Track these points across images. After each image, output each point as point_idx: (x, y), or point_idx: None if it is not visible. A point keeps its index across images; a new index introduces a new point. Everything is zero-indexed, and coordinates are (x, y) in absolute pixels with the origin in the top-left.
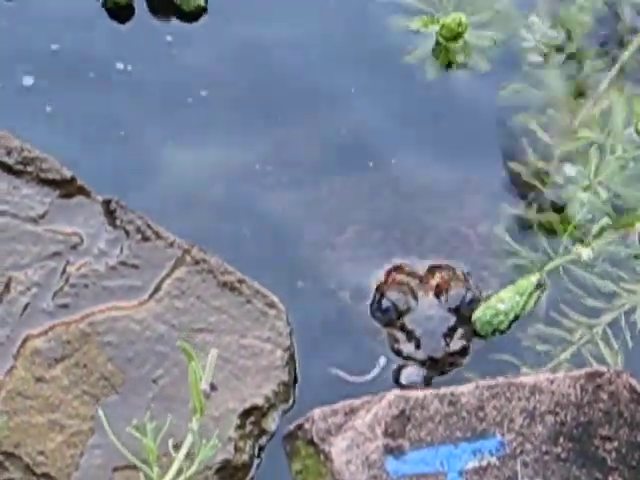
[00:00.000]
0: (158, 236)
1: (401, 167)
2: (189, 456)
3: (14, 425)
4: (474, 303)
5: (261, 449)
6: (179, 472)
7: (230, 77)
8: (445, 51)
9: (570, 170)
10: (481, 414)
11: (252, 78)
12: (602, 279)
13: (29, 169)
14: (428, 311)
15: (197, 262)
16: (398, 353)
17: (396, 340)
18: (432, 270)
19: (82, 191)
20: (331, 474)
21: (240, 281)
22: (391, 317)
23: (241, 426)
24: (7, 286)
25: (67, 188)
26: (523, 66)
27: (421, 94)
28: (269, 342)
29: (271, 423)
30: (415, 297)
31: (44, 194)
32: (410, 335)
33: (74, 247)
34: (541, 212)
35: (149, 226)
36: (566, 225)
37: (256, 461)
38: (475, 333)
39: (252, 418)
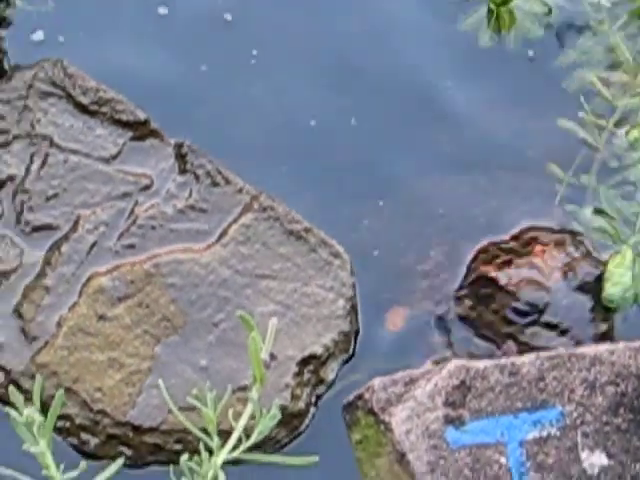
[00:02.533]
0: (227, 181)
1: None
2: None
3: (74, 361)
4: (602, 277)
5: (318, 398)
6: (239, 442)
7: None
8: (497, 18)
9: (634, 134)
10: (541, 385)
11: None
12: None
13: (104, 110)
14: (564, 300)
15: (264, 209)
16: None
17: (537, 336)
18: (537, 246)
19: (155, 134)
20: (391, 444)
21: (306, 230)
22: (533, 317)
23: (299, 374)
24: (75, 224)
25: (140, 130)
26: (582, 29)
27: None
28: (332, 291)
29: (330, 373)
30: (544, 287)
31: (117, 135)
32: (556, 329)
33: (144, 189)
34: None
35: (219, 171)
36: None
37: (312, 410)
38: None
39: (310, 366)
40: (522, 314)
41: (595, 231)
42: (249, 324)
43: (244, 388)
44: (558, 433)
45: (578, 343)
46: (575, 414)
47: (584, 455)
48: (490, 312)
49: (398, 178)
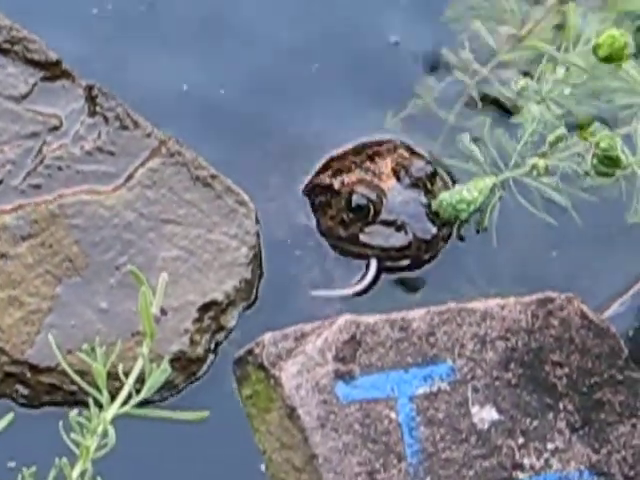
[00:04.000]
0: (136, 125)
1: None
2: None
3: None
4: (435, 176)
5: (217, 345)
6: (129, 396)
7: None
8: None
9: (521, 82)
10: (432, 340)
11: None
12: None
13: (16, 48)
14: (399, 197)
15: (172, 154)
16: (385, 249)
17: (371, 236)
18: (373, 153)
19: (66, 74)
20: (281, 399)
21: (213, 176)
22: (368, 214)
23: (199, 320)
24: None
25: (52, 70)
26: None
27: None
28: (235, 239)
29: (230, 320)
30: (378, 187)
31: (28, 74)
32: (393, 225)
33: (52, 129)
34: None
35: (128, 114)
36: (518, 138)
37: (210, 357)
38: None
39: (211, 313)
40: (357, 210)
41: (464, 160)
42: (139, 278)
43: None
44: (448, 388)
45: (416, 238)
46: (465, 369)
47: (474, 410)
48: (328, 218)
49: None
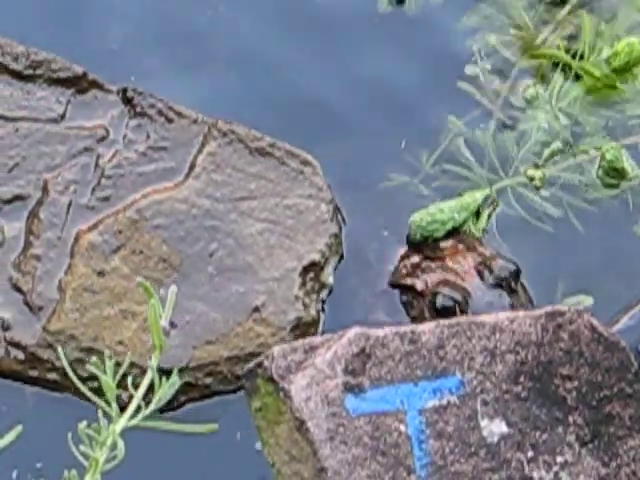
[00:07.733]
0: (181, 115)
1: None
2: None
3: (87, 321)
4: (519, 275)
5: (324, 303)
6: (137, 410)
7: None
8: None
9: (530, 90)
10: (441, 353)
11: None
12: (552, 204)
13: (39, 72)
14: (484, 298)
15: (225, 134)
16: None
17: None
18: (451, 249)
19: (95, 84)
20: (290, 411)
21: (271, 145)
22: (454, 315)
23: (303, 283)
24: (45, 189)
25: (80, 84)
26: None
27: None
28: (311, 198)
29: (328, 276)
30: (462, 287)
31: (59, 94)
32: None
33: (101, 140)
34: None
35: (170, 107)
36: (520, 146)
37: (322, 316)
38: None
39: (311, 274)
40: (443, 311)
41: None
42: (149, 291)
43: (257, 309)
44: (458, 401)
45: None
46: (475, 382)
47: (484, 423)
48: (410, 319)
49: None
